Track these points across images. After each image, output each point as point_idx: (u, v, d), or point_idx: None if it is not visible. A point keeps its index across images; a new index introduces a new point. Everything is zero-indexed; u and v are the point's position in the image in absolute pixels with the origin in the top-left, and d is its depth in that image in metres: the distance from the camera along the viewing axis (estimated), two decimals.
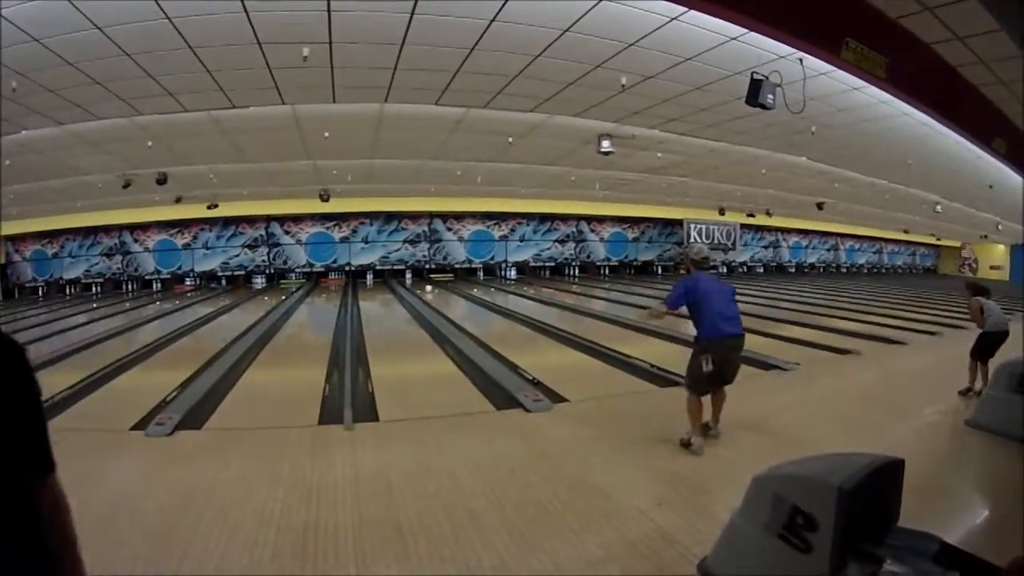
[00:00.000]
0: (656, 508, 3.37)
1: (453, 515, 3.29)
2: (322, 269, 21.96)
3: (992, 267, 32.26)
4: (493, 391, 6.01)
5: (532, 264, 24.31)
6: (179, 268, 21.29)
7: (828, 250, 31.78)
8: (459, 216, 22.79)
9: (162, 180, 12.75)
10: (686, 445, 4.33)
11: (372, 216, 21.74)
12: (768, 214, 23.60)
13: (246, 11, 5.58)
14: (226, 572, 2.75)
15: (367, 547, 2.97)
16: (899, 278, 30.17)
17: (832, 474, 2.19)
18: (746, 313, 4.60)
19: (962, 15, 5.42)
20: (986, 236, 28.74)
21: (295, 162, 13.09)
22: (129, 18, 5.60)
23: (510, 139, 11.20)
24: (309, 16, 5.76)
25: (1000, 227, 23.87)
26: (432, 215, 22.34)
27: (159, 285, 21.21)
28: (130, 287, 21.24)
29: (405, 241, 22.47)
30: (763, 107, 6.52)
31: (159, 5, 5.35)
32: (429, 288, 20.20)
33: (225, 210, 18.69)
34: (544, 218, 23.88)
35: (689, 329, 4.51)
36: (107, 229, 20.39)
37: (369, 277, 22.16)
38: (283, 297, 16.88)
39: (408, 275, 22.52)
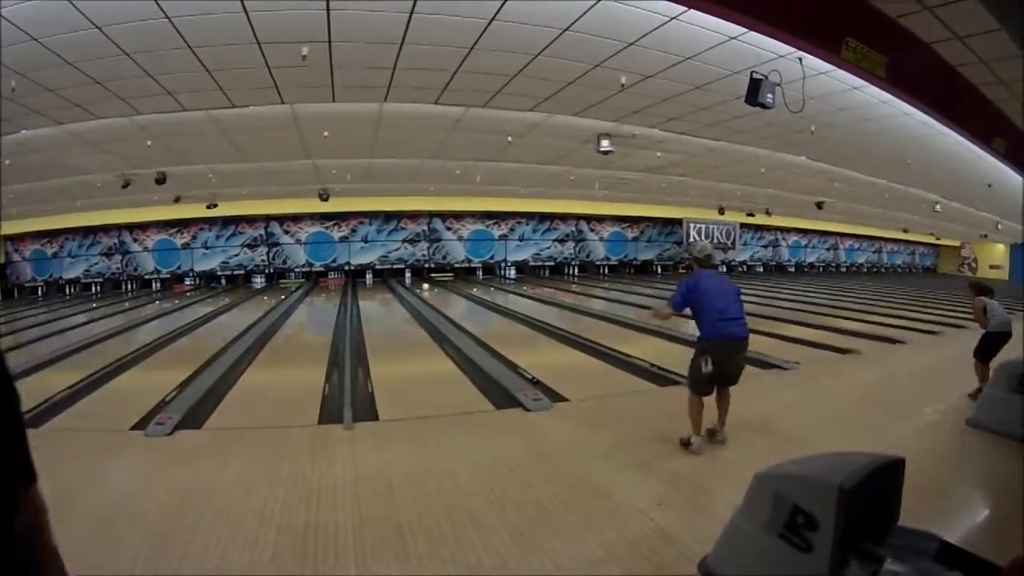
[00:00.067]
0: (656, 507, 3.37)
1: (453, 515, 3.29)
2: (321, 269, 21.95)
3: (992, 266, 32.27)
4: (493, 390, 6.00)
5: (532, 263, 24.31)
6: (178, 268, 21.27)
7: (828, 249, 31.79)
8: (458, 215, 22.78)
9: (161, 180, 12.74)
10: (686, 445, 4.32)
11: (371, 215, 21.72)
12: (768, 213, 23.61)
13: (245, 11, 5.58)
14: (226, 572, 2.75)
15: (367, 547, 2.97)
16: (899, 277, 30.19)
17: (833, 473, 2.19)
18: (746, 312, 4.57)
19: (962, 14, 5.42)
20: (986, 235, 28.76)
21: (294, 161, 13.08)
22: (128, 17, 5.59)
23: (509, 138, 11.20)
24: (308, 15, 5.76)
25: (1000, 226, 23.88)
26: (431, 214, 22.34)
27: (158, 285, 21.19)
28: (130, 287, 21.22)
29: (404, 240, 22.47)
30: (763, 106, 6.52)
31: (158, 5, 5.35)
32: (425, 286, 20.24)
33: (224, 210, 18.70)
34: (543, 217, 23.88)
35: (690, 328, 4.49)
36: (106, 229, 20.37)
37: (369, 276, 22.14)
38: (282, 297, 16.88)
39: (408, 274, 22.51)
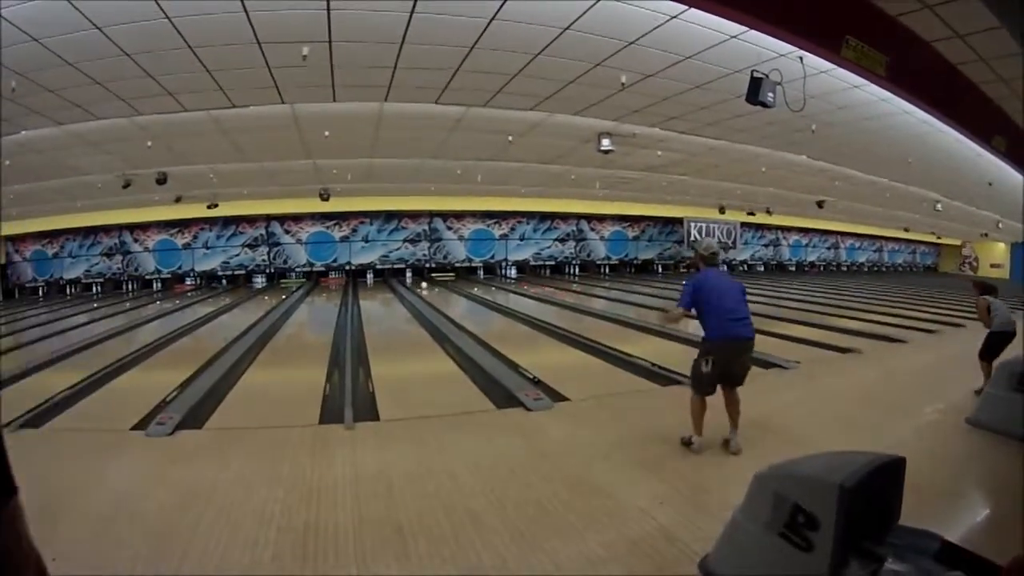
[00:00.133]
0: (657, 507, 3.37)
1: (453, 515, 3.29)
2: (322, 268, 21.96)
3: (992, 265, 32.26)
4: (493, 390, 6.00)
5: (532, 263, 24.32)
6: (179, 268, 21.29)
7: (828, 248, 31.79)
8: (459, 215, 22.78)
9: (162, 180, 12.74)
10: (687, 444, 4.32)
11: (372, 215, 21.74)
12: (768, 212, 23.59)
13: (245, 10, 5.58)
14: (226, 572, 2.75)
15: (367, 547, 2.97)
16: (899, 276, 30.17)
17: (833, 472, 2.19)
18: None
19: (962, 13, 5.42)
20: (986, 234, 28.75)
21: (295, 161, 13.08)
22: (128, 18, 5.59)
23: (510, 138, 11.19)
24: (308, 15, 5.75)
25: (1000, 225, 23.86)
26: (432, 214, 22.34)
27: (159, 285, 21.22)
28: (130, 287, 21.24)
29: (405, 240, 22.47)
30: (763, 105, 6.52)
31: (159, 5, 5.35)
32: (424, 285, 20.25)
33: (225, 210, 18.70)
34: (544, 217, 23.88)
35: (691, 328, 4.47)
36: (107, 229, 20.39)
37: (369, 276, 22.15)
38: (283, 296, 16.89)
39: (408, 274, 22.51)
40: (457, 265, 23.20)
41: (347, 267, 22.00)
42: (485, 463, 4.08)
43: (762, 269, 28.95)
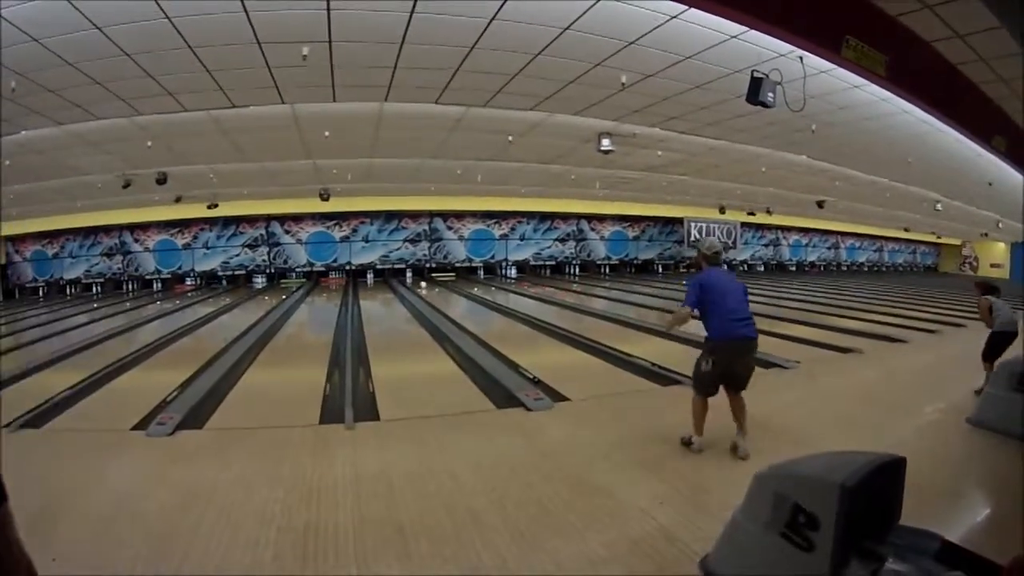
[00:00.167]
0: (658, 506, 3.37)
1: (454, 515, 3.29)
2: (322, 268, 21.96)
3: (992, 265, 32.24)
4: (494, 390, 6.00)
5: (532, 263, 24.31)
6: (179, 268, 21.29)
7: (829, 248, 31.79)
8: (459, 215, 22.78)
9: (162, 180, 12.74)
10: (687, 444, 4.32)
11: (372, 215, 21.74)
12: (768, 212, 23.59)
13: (245, 10, 5.57)
14: (227, 572, 2.75)
15: (368, 547, 2.97)
16: (900, 276, 30.18)
17: (834, 472, 2.19)
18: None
19: (962, 12, 5.41)
20: (986, 234, 28.75)
21: (295, 161, 13.08)
22: (128, 18, 5.59)
23: (510, 138, 11.19)
24: (309, 15, 5.75)
25: (1000, 225, 23.86)
26: (432, 214, 22.34)
27: (159, 285, 21.21)
28: (130, 287, 21.24)
29: (406, 240, 22.47)
30: (763, 105, 6.51)
31: (159, 5, 5.34)
32: (423, 284, 20.26)
33: (225, 210, 18.71)
34: (544, 217, 23.88)
35: (692, 328, 4.45)
36: (107, 229, 20.39)
37: (370, 276, 22.16)
38: (283, 297, 16.89)
39: (409, 274, 22.51)
40: (457, 265, 23.20)
41: (347, 267, 21.99)
42: (486, 463, 4.09)
43: (762, 269, 28.95)
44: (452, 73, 7.56)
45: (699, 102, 8.81)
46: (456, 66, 7.31)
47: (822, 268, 31.34)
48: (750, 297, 4.52)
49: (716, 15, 5.46)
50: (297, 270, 21.86)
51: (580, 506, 3.40)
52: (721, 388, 4.32)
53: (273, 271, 21.73)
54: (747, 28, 5.87)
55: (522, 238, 24.03)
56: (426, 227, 22.60)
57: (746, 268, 28.24)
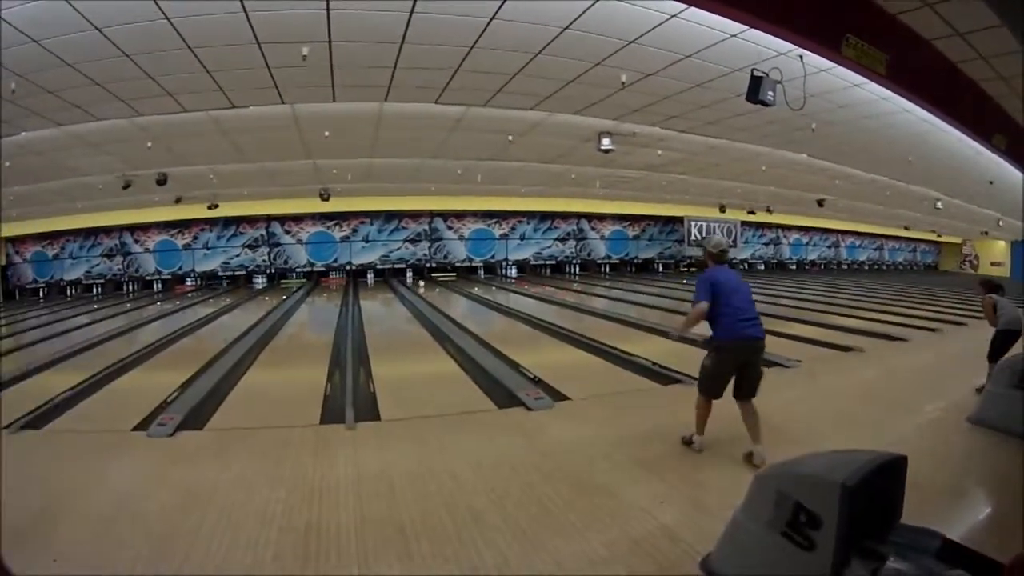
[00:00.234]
0: (659, 506, 3.37)
1: (455, 514, 3.29)
2: (323, 268, 21.96)
3: (993, 263, 32.25)
4: (494, 389, 6.00)
5: (533, 262, 24.31)
6: (180, 268, 21.30)
7: (829, 247, 31.80)
8: (460, 215, 22.78)
9: (162, 181, 12.75)
10: (687, 443, 4.30)
11: (373, 215, 21.74)
12: (769, 211, 23.58)
13: (245, 11, 5.58)
14: (228, 573, 2.75)
15: (369, 547, 2.97)
16: (900, 275, 30.17)
17: (835, 471, 2.19)
18: None
19: (962, 11, 5.41)
20: (987, 232, 28.76)
21: (295, 162, 13.09)
22: (128, 19, 5.59)
23: (510, 137, 11.19)
24: (308, 15, 5.75)
25: (1001, 223, 23.85)
26: (433, 214, 22.34)
27: (160, 286, 21.23)
28: (131, 288, 21.24)
29: (406, 240, 22.48)
30: (763, 104, 6.51)
31: (158, 5, 5.35)
32: (421, 283, 20.29)
33: (225, 210, 18.69)
34: (544, 216, 23.89)
35: (696, 327, 4.41)
36: (107, 230, 20.40)
37: (370, 276, 22.16)
38: (284, 297, 16.88)
39: (409, 274, 22.52)
40: (458, 265, 23.21)
41: (347, 267, 22.00)
42: (487, 462, 4.08)
43: (762, 268, 28.94)
44: (452, 73, 7.56)
45: (699, 101, 8.81)
46: (456, 66, 7.31)
47: (822, 267, 31.35)
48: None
49: (716, 14, 5.45)
50: (297, 270, 21.86)
51: (581, 505, 3.39)
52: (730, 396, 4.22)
53: (273, 271, 21.73)
54: (747, 27, 5.86)
55: (522, 238, 24.03)
56: (426, 227, 22.60)
57: (746, 267, 28.22)
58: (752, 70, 6.47)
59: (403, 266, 22.54)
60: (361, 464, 4.09)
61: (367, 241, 22.11)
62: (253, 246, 21.44)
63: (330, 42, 6.41)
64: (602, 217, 24.67)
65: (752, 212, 24.17)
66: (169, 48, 6.30)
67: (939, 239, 34.19)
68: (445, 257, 23.04)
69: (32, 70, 6.56)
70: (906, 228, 29.63)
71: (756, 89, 6.41)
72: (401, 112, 9.23)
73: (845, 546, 2.11)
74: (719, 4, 5.07)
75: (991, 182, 14.18)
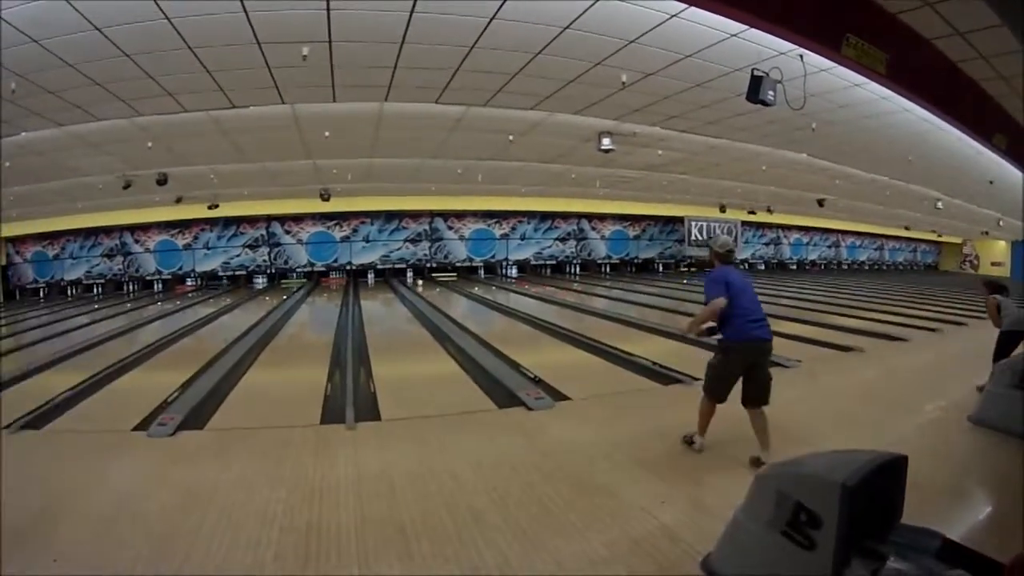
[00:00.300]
0: (659, 506, 3.37)
1: (456, 514, 3.29)
2: (323, 268, 21.96)
3: (993, 263, 32.24)
4: (495, 389, 6.00)
5: (533, 262, 24.30)
6: (180, 268, 21.30)
7: (829, 247, 31.79)
8: (460, 215, 22.77)
9: (162, 181, 12.75)
10: (688, 443, 4.29)
11: (373, 215, 21.73)
12: (769, 211, 23.58)
13: (245, 11, 5.57)
14: (229, 573, 2.75)
15: (370, 547, 2.97)
16: (900, 275, 30.16)
17: (835, 471, 2.18)
18: None
19: (963, 10, 5.41)
20: (987, 232, 28.74)
21: (295, 162, 13.09)
22: (128, 19, 5.59)
23: (510, 137, 11.19)
24: (308, 15, 5.75)
25: (1001, 223, 23.84)
26: (433, 214, 22.33)
27: (160, 286, 21.23)
28: (131, 288, 21.24)
29: (406, 240, 22.47)
30: (764, 104, 6.51)
31: (158, 5, 5.35)
32: (419, 283, 20.30)
33: (226, 210, 18.69)
34: (545, 216, 23.87)
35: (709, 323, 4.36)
36: (108, 230, 20.39)
37: (370, 276, 22.16)
38: (284, 297, 16.88)
39: (409, 274, 22.51)
40: (458, 265, 23.20)
41: (348, 267, 21.99)
42: (487, 462, 4.09)
43: (763, 268, 28.93)
44: (452, 73, 7.56)
45: (699, 100, 8.81)
46: (456, 66, 7.31)
47: (823, 267, 31.34)
48: None
49: (716, 14, 5.46)
50: (298, 270, 21.86)
51: (581, 505, 3.39)
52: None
53: (274, 271, 21.73)
54: (747, 26, 5.86)
55: (523, 238, 24.03)
56: (427, 227, 22.60)
57: (747, 267, 28.20)
58: (752, 70, 6.47)
59: (403, 266, 22.53)
60: (361, 464, 4.09)
61: (367, 241, 22.10)
62: (253, 246, 21.43)
63: (330, 42, 6.41)
64: (602, 217, 24.66)
65: (752, 212, 24.17)
66: (169, 48, 6.30)
67: (939, 239, 34.18)
68: (445, 257, 23.04)
69: (32, 70, 6.56)
70: (906, 228, 29.64)
71: (756, 89, 6.41)
72: (401, 112, 9.22)
73: (845, 546, 2.11)
74: (719, 4, 5.08)
75: (991, 182, 14.17)
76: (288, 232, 21.50)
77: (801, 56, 6.51)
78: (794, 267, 30.10)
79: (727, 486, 3.47)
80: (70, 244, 20.64)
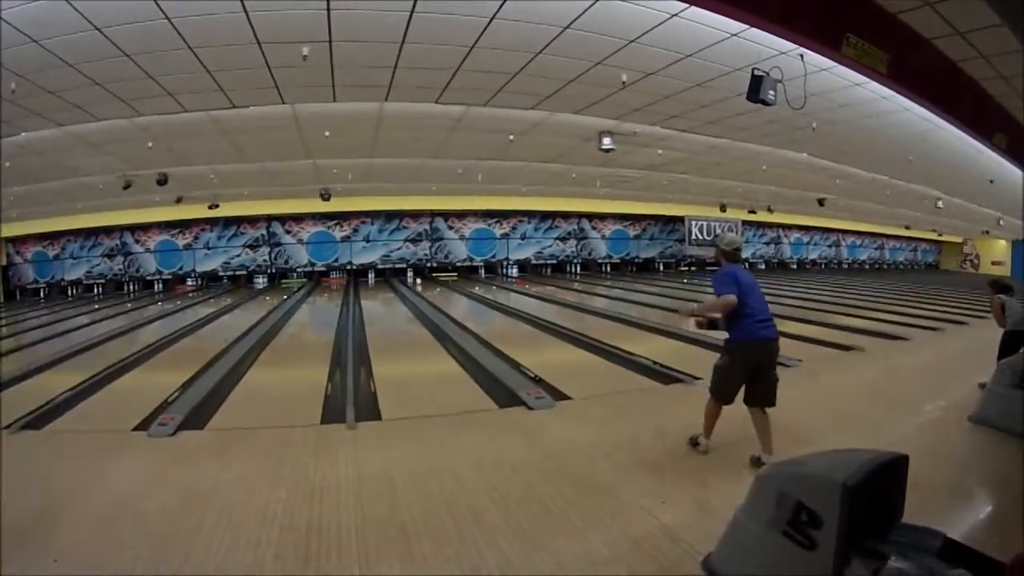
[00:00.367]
0: (660, 505, 3.36)
1: (456, 514, 3.29)
2: (323, 268, 21.96)
3: (994, 263, 32.23)
4: (495, 389, 6.00)
5: (534, 262, 24.29)
6: (180, 268, 21.30)
7: (830, 246, 31.77)
8: (460, 214, 22.76)
9: (163, 181, 12.75)
10: (694, 444, 4.24)
11: (373, 215, 21.73)
12: (769, 210, 23.57)
13: (245, 11, 5.57)
14: (229, 573, 2.75)
15: (370, 547, 2.97)
16: (901, 274, 30.15)
17: (836, 470, 2.18)
18: None
19: (963, 10, 5.41)
20: (987, 231, 28.73)
21: (295, 161, 13.09)
22: (128, 19, 5.59)
23: (511, 137, 11.19)
24: (309, 15, 5.75)
25: (1001, 222, 23.84)
26: (433, 213, 22.32)
27: (160, 286, 21.23)
28: (132, 288, 21.25)
29: (406, 240, 22.46)
30: (764, 103, 6.50)
31: (158, 5, 5.35)
32: (418, 282, 20.34)
33: (226, 210, 18.68)
34: (545, 216, 23.86)
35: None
36: (108, 230, 20.39)
37: (371, 276, 22.16)
38: (285, 297, 16.89)
39: (410, 274, 22.51)
40: (459, 264, 23.20)
41: (348, 267, 21.99)
42: (487, 462, 4.08)
43: (763, 267, 28.92)
44: (452, 72, 7.56)
45: (700, 100, 8.80)
46: (456, 65, 7.31)
47: (823, 266, 31.33)
48: None
49: (717, 13, 5.45)
50: (298, 270, 21.86)
51: (582, 505, 3.39)
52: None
53: (274, 271, 21.73)
54: (748, 26, 5.86)
55: (523, 237, 24.02)
56: (427, 227, 22.59)
57: (747, 266, 28.03)
58: (753, 69, 6.47)
59: (404, 266, 22.52)
60: (362, 464, 4.09)
61: (368, 241, 22.10)
62: (254, 246, 21.43)
63: (331, 42, 6.41)
64: (603, 216, 24.65)
65: (753, 211, 24.16)
66: (170, 48, 6.30)
67: (940, 238, 34.18)
68: (446, 257, 23.04)
69: (32, 70, 6.56)
70: (907, 227, 29.63)
71: (757, 88, 6.41)
72: (402, 112, 9.22)
73: (846, 545, 2.10)
74: (720, 3, 5.07)
75: (991, 181, 14.17)
76: (288, 232, 21.50)
77: (801, 56, 6.51)
78: (795, 267, 30.08)
79: (728, 486, 3.46)
80: (70, 244, 20.64)
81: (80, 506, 3.43)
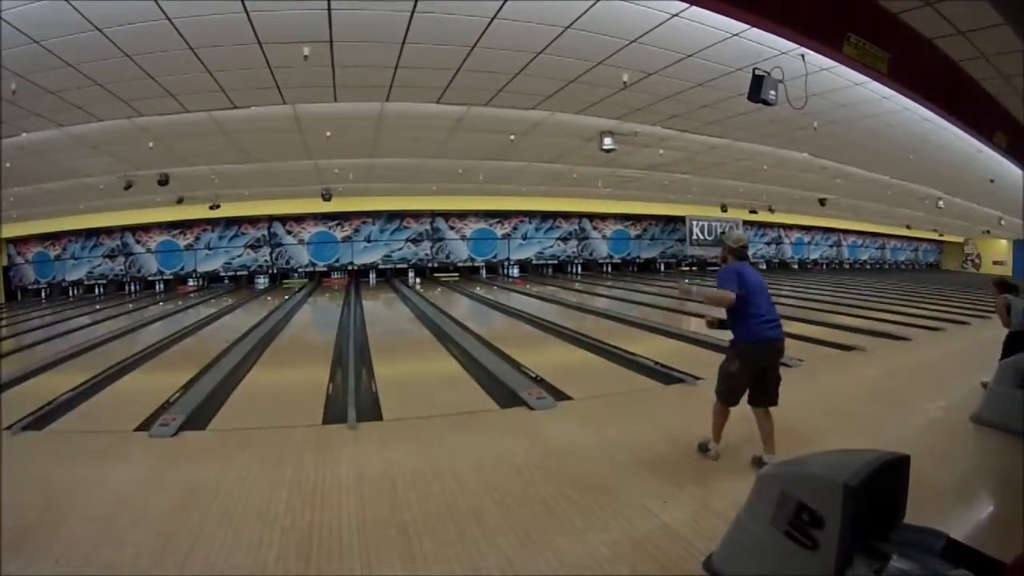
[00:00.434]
0: (661, 506, 3.36)
1: (458, 515, 3.29)
2: (325, 269, 21.97)
3: (995, 262, 32.22)
4: (496, 389, 6.00)
5: (535, 262, 24.30)
6: (182, 269, 21.31)
7: (831, 246, 31.76)
8: (461, 214, 22.77)
9: (164, 181, 12.76)
10: (703, 450, 4.15)
11: (374, 215, 21.74)
12: (770, 210, 23.56)
13: (246, 11, 5.57)
14: (230, 573, 2.75)
15: (372, 547, 2.97)
16: (902, 274, 30.13)
17: (838, 471, 2.18)
18: None
19: (964, 10, 5.41)
20: (988, 231, 28.70)
21: (296, 162, 13.09)
22: (129, 19, 5.59)
23: (512, 137, 11.18)
24: (309, 15, 5.75)
25: (1002, 222, 23.81)
26: (434, 214, 22.33)
27: (162, 286, 21.26)
28: (133, 288, 21.27)
29: (408, 240, 22.47)
30: (765, 103, 6.49)
31: (159, 6, 5.35)
32: (418, 282, 20.33)
33: (227, 210, 18.67)
34: (546, 216, 23.87)
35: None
36: (109, 230, 20.42)
37: (372, 276, 22.18)
38: (286, 297, 16.90)
39: (411, 274, 22.52)
40: (460, 265, 23.21)
41: (349, 267, 22.01)
42: (489, 462, 4.08)
43: (764, 267, 28.91)
44: (453, 73, 7.56)
45: (701, 100, 8.80)
46: (457, 66, 7.31)
47: (824, 266, 31.32)
48: None
49: (718, 13, 5.45)
50: (299, 270, 21.88)
51: (583, 505, 3.39)
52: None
53: (275, 271, 21.74)
54: (749, 26, 5.85)
55: (524, 237, 24.02)
56: (428, 227, 22.60)
57: None
58: (754, 69, 6.46)
59: (405, 266, 22.53)
60: (363, 464, 4.09)
61: (369, 241, 22.11)
62: (255, 246, 21.45)
63: (331, 42, 6.41)
64: (604, 217, 24.66)
65: (754, 211, 24.15)
66: (170, 48, 6.30)
67: (941, 238, 34.16)
68: (447, 257, 23.04)
69: (33, 71, 6.56)
70: (908, 227, 29.61)
71: (758, 88, 6.40)
72: (403, 112, 9.22)
73: (848, 545, 2.10)
74: (721, 3, 5.07)
75: (992, 180, 14.16)
76: (290, 232, 21.51)
77: (802, 55, 6.51)
78: (796, 266, 30.07)
79: (730, 486, 3.47)
80: (71, 245, 20.68)
81: (81, 506, 3.43)
